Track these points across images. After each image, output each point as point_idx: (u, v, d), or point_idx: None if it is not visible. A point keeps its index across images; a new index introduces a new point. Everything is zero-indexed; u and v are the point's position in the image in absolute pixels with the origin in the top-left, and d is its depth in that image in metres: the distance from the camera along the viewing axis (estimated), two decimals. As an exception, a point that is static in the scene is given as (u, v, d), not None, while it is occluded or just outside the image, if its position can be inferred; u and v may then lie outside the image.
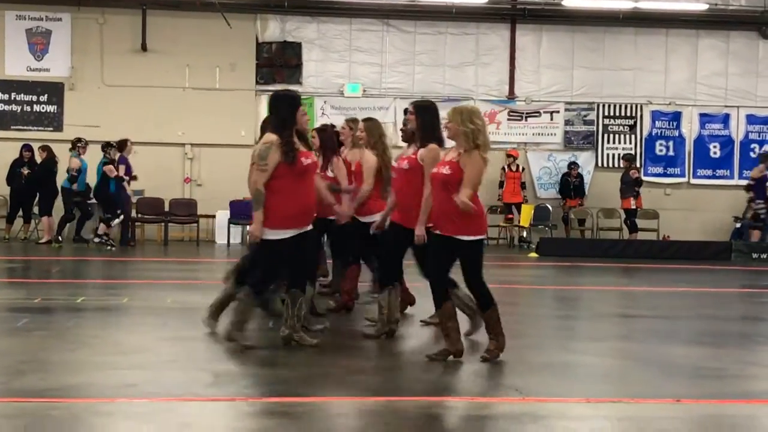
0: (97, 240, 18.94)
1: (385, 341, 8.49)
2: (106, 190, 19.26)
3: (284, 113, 7.89)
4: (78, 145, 19.60)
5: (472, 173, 7.41)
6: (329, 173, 9.86)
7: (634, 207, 21.63)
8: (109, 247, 18.52)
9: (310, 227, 7.92)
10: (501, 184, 22.14)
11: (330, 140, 10.08)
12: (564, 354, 8.32)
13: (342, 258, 10.24)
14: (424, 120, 8.32)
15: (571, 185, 22.55)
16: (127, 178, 19.28)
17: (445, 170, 7.53)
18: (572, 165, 22.62)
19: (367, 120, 9.86)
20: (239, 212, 20.47)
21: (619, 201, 21.92)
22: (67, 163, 19.74)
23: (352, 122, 10.24)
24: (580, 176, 22.70)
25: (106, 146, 19.45)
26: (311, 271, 8.72)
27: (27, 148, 20.39)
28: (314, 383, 6.79)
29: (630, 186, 21.57)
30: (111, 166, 19.23)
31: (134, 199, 20.48)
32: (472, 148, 7.44)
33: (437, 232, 7.59)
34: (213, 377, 6.78)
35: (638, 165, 22.50)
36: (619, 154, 23.00)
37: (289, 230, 7.73)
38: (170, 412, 5.82)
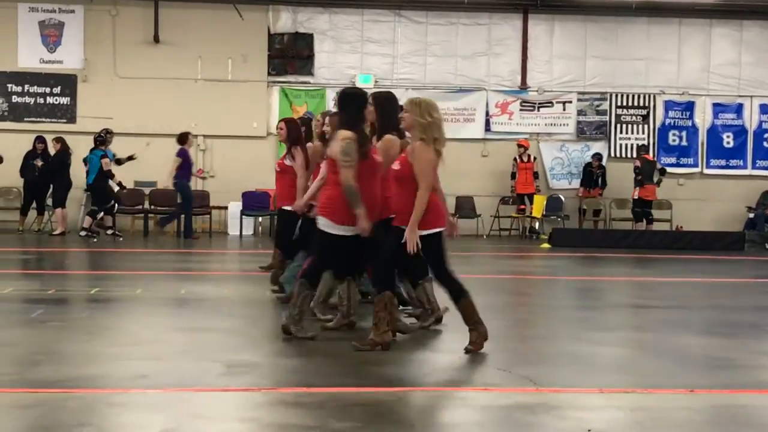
0: (83, 234, 18.99)
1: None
2: (101, 182, 19.29)
3: (353, 110, 7.91)
4: (99, 138, 19.60)
5: (420, 167, 7.40)
6: (286, 162, 10.37)
7: (637, 197, 21.48)
8: (94, 239, 18.61)
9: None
10: (513, 175, 22.12)
11: (293, 131, 10.44)
12: (577, 344, 8.31)
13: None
14: (382, 110, 8.29)
15: (594, 176, 22.45)
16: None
17: (396, 166, 7.58)
18: (596, 156, 22.52)
19: (334, 114, 9.85)
20: (252, 203, 20.51)
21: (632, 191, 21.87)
22: (81, 154, 19.82)
23: (324, 115, 10.28)
24: (602, 167, 22.63)
25: (101, 137, 19.50)
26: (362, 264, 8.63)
27: (40, 140, 20.45)
28: (327, 373, 6.80)
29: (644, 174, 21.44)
30: (107, 159, 19.28)
31: (147, 191, 20.62)
32: (426, 140, 7.44)
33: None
34: (226, 368, 6.80)
35: (649, 155, 22.33)
36: (632, 145, 22.94)
37: (352, 227, 7.71)
38: (183, 402, 5.83)
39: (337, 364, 7.14)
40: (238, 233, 20.87)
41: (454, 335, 8.29)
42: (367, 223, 7.62)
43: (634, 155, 22.15)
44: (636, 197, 21.48)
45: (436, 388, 6.40)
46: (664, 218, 22.27)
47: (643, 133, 23.18)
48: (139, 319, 9.33)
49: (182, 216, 19.62)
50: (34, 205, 20.62)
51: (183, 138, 19.38)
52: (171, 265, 15.07)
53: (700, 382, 6.69)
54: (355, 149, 7.66)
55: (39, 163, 20.19)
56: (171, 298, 10.71)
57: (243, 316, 9.57)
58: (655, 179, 21.45)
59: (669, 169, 22.82)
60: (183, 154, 19.31)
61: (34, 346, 7.59)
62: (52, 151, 20.28)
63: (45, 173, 20.19)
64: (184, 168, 19.22)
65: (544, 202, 22.22)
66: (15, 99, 21.88)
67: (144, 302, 10.52)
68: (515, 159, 22.14)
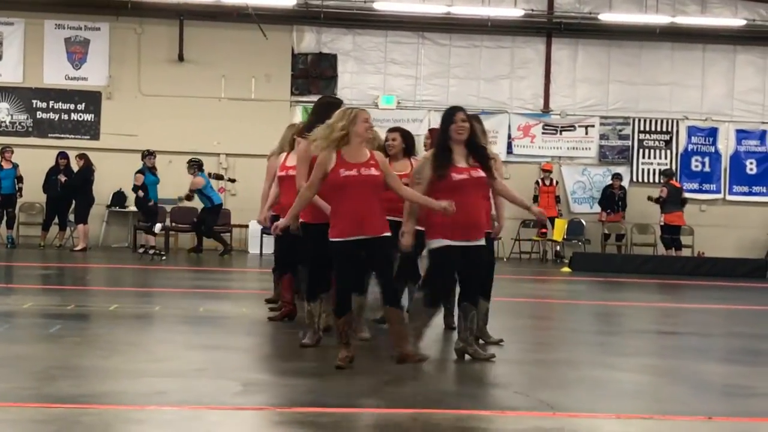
0: (142, 251, 18.98)
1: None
2: (143, 199, 19.45)
3: (442, 127, 7.98)
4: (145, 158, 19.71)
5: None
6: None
7: (664, 223, 21.36)
8: (163, 257, 18.47)
9: (479, 242, 7.89)
10: (535, 198, 22.09)
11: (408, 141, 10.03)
12: (596, 369, 8.27)
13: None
14: (317, 116, 8.30)
15: (616, 197, 22.31)
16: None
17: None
18: (615, 176, 22.43)
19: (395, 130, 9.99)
20: (272, 222, 20.53)
21: (654, 216, 21.75)
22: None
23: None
24: (623, 188, 22.54)
25: (146, 155, 19.66)
26: (482, 285, 8.61)
27: (62, 155, 20.58)
28: (343, 393, 6.78)
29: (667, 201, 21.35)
30: (140, 175, 19.39)
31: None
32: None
33: None
34: (242, 386, 6.80)
35: (675, 180, 22.25)
36: (654, 170, 22.88)
37: (446, 240, 7.72)
38: (199, 420, 5.83)
39: (353, 384, 7.12)
40: (258, 251, 20.89)
41: (471, 359, 8.26)
42: (409, 242, 7.82)
43: (660, 180, 22.00)
44: (663, 223, 21.35)
45: (453, 411, 6.37)
46: (686, 244, 22.15)
47: (666, 158, 23.11)
48: (157, 336, 9.35)
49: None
50: (56, 220, 20.72)
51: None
52: (190, 282, 15.10)
53: (718, 410, 6.62)
54: (427, 169, 7.83)
55: (62, 178, 20.30)
56: (189, 316, 10.72)
57: (260, 335, 9.58)
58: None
59: (691, 195, 22.75)
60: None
61: (52, 361, 7.61)
62: (75, 166, 20.39)
63: (67, 189, 20.30)
64: None
65: (566, 226, 22.15)
66: (40, 115, 22.03)
67: (162, 319, 10.54)
68: (537, 183, 22.11)
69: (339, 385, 7.09)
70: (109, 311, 10.74)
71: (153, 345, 8.66)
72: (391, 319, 7.62)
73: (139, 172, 19.59)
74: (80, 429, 5.50)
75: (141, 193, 19.53)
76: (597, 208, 22.91)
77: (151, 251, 18.54)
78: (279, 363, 7.97)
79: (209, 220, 19.94)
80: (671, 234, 21.31)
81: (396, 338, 7.60)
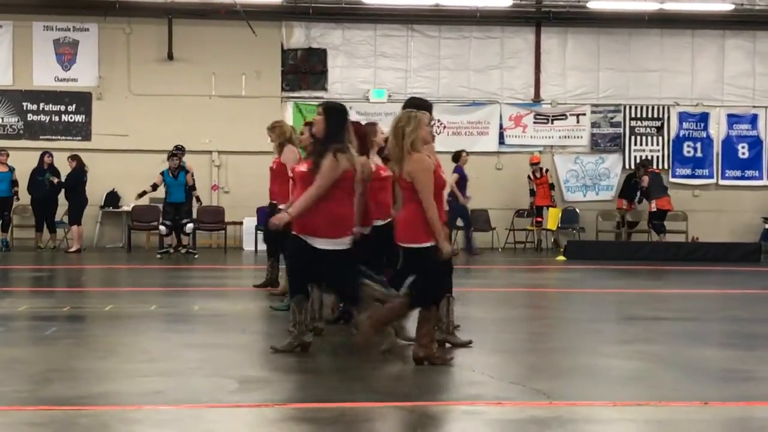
0: (183, 251, 19.13)
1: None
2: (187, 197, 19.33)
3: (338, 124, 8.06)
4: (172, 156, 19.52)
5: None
6: None
7: (656, 209, 21.38)
8: (196, 255, 18.91)
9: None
10: (532, 192, 22.10)
11: None
12: (591, 357, 8.29)
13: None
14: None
15: (638, 187, 22.22)
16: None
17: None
18: (639, 167, 22.22)
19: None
20: (266, 219, 20.51)
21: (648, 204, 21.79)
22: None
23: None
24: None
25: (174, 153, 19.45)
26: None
27: (48, 154, 20.51)
28: (340, 389, 6.80)
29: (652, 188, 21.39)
30: (159, 175, 19.18)
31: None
32: None
33: None
34: (238, 384, 6.81)
35: (657, 167, 22.35)
36: (646, 156, 22.88)
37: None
38: (196, 418, 5.84)
39: (349, 380, 7.14)
40: (253, 248, 20.89)
41: (467, 350, 8.28)
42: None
43: (638, 171, 21.92)
44: (655, 209, 21.35)
45: (449, 403, 6.39)
46: (679, 230, 22.18)
47: (658, 144, 23.12)
48: (153, 335, 9.36)
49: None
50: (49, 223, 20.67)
51: (458, 156, 20.14)
52: (185, 281, 15.10)
53: (714, 395, 6.65)
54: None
55: (54, 179, 20.22)
56: (185, 314, 10.73)
57: (256, 332, 9.59)
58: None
59: (684, 181, 22.82)
60: (460, 171, 19.92)
61: (48, 363, 7.61)
62: (65, 167, 20.26)
63: (56, 191, 20.25)
64: (460, 185, 19.86)
65: (560, 215, 22.18)
66: (30, 117, 21.98)
67: (158, 318, 10.55)
68: (529, 177, 22.13)
69: (336, 381, 7.10)
70: (104, 312, 10.75)
71: (149, 345, 8.66)
72: (421, 318, 7.59)
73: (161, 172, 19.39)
74: (77, 430, 5.51)
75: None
76: (591, 196, 22.94)
77: (183, 250, 19.06)
78: (274, 360, 7.98)
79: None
80: (660, 219, 21.34)
81: (426, 338, 7.57)
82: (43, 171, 20.41)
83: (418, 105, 8.23)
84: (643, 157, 22.73)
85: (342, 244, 7.72)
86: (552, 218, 22.01)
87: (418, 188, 7.34)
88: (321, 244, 7.67)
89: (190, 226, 19.29)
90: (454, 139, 22.18)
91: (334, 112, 8.04)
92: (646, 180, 21.36)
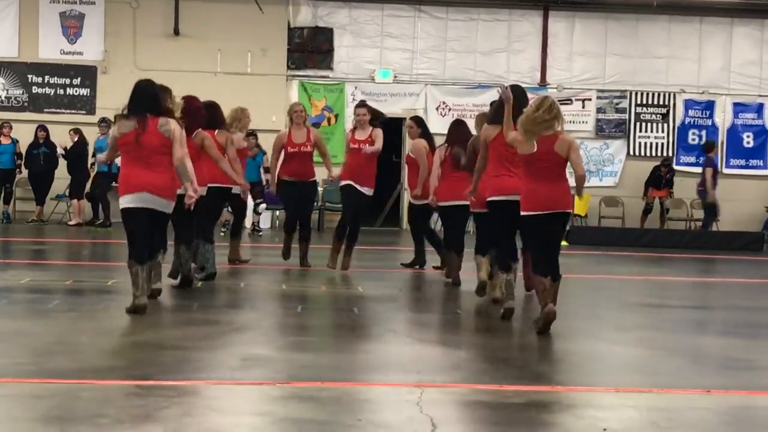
0: (258, 231, 19.53)
1: (415, 328, 8.47)
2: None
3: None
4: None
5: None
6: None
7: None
8: (260, 234, 19.37)
9: None
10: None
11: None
12: (593, 343, 8.29)
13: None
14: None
15: (663, 179, 22.12)
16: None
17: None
18: (665, 162, 22.19)
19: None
20: (270, 197, 20.48)
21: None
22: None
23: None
24: (672, 171, 22.28)
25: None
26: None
27: (42, 128, 20.50)
28: (342, 368, 6.80)
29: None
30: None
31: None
32: None
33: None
34: (240, 361, 6.81)
35: (662, 154, 22.42)
36: (651, 143, 22.84)
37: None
38: (198, 394, 5.84)
39: (352, 359, 7.14)
40: (250, 226, 20.82)
41: (471, 332, 8.29)
42: None
43: (660, 160, 21.98)
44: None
45: (451, 385, 6.39)
46: (682, 218, 22.15)
47: (663, 131, 23.07)
48: (156, 310, 9.34)
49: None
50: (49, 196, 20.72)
51: (710, 146, 20.35)
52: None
53: (716, 383, 6.65)
54: None
55: (63, 148, 20.14)
56: (187, 290, 10.71)
57: (259, 310, 9.58)
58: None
59: (688, 169, 22.77)
60: (711, 164, 20.15)
61: (51, 336, 7.62)
62: (70, 142, 20.23)
63: (52, 165, 20.28)
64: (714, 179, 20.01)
65: (589, 200, 22.02)
66: (35, 90, 21.95)
67: (161, 293, 10.52)
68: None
69: (338, 359, 7.10)
70: (107, 286, 10.74)
71: (151, 319, 8.65)
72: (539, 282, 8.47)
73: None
74: (80, 404, 5.51)
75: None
76: (594, 182, 22.85)
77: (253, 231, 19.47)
78: (277, 338, 7.98)
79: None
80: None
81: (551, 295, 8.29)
82: (38, 145, 20.41)
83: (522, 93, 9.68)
84: (649, 144, 22.64)
85: None
86: (582, 204, 21.61)
87: (576, 160, 8.73)
88: None
89: (262, 206, 19.62)
90: (459, 121, 22.09)
91: None
92: (710, 172, 20.96)
